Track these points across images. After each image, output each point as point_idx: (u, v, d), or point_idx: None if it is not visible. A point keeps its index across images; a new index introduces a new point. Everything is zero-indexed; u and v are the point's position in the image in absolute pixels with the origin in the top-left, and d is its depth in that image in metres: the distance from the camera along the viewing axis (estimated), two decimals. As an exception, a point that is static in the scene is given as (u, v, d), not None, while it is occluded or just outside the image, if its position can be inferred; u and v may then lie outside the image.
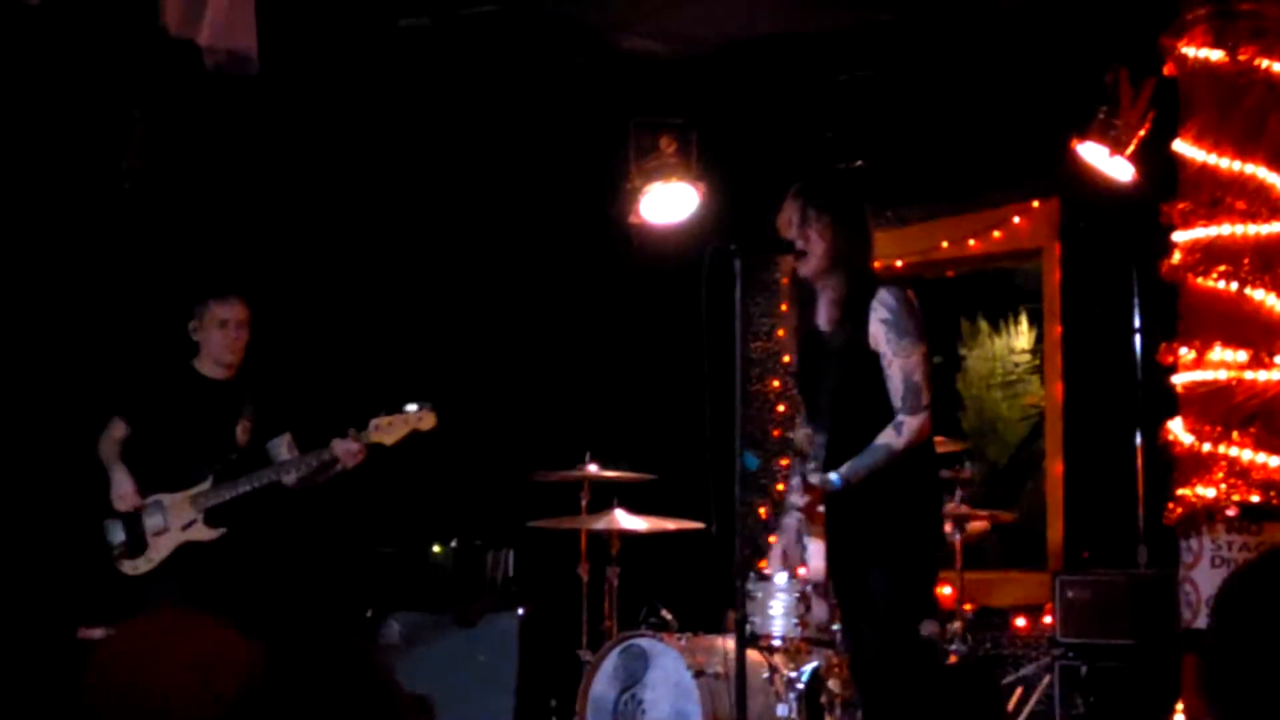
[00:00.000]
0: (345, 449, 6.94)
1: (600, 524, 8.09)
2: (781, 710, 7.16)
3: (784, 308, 10.20)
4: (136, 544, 6.98)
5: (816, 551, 5.76)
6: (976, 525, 8.31)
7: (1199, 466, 6.86)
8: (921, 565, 5.90)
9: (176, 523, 6.99)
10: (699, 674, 7.35)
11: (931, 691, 6.29)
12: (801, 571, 5.90)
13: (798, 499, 5.72)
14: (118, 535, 7.00)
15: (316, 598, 8.13)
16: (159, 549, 6.98)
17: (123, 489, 7.01)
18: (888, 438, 5.62)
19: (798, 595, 6.17)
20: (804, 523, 5.81)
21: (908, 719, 5.77)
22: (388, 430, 6.97)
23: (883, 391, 5.67)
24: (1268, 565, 2.22)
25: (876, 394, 5.68)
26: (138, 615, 5.36)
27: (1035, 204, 9.28)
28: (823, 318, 5.90)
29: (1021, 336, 11.53)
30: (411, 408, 7.00)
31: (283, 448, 7.12)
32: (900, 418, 5.62)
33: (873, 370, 5.69)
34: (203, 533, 6.98)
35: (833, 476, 5.65)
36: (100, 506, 7.05)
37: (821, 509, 5.72)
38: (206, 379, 7.17)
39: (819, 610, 5.84)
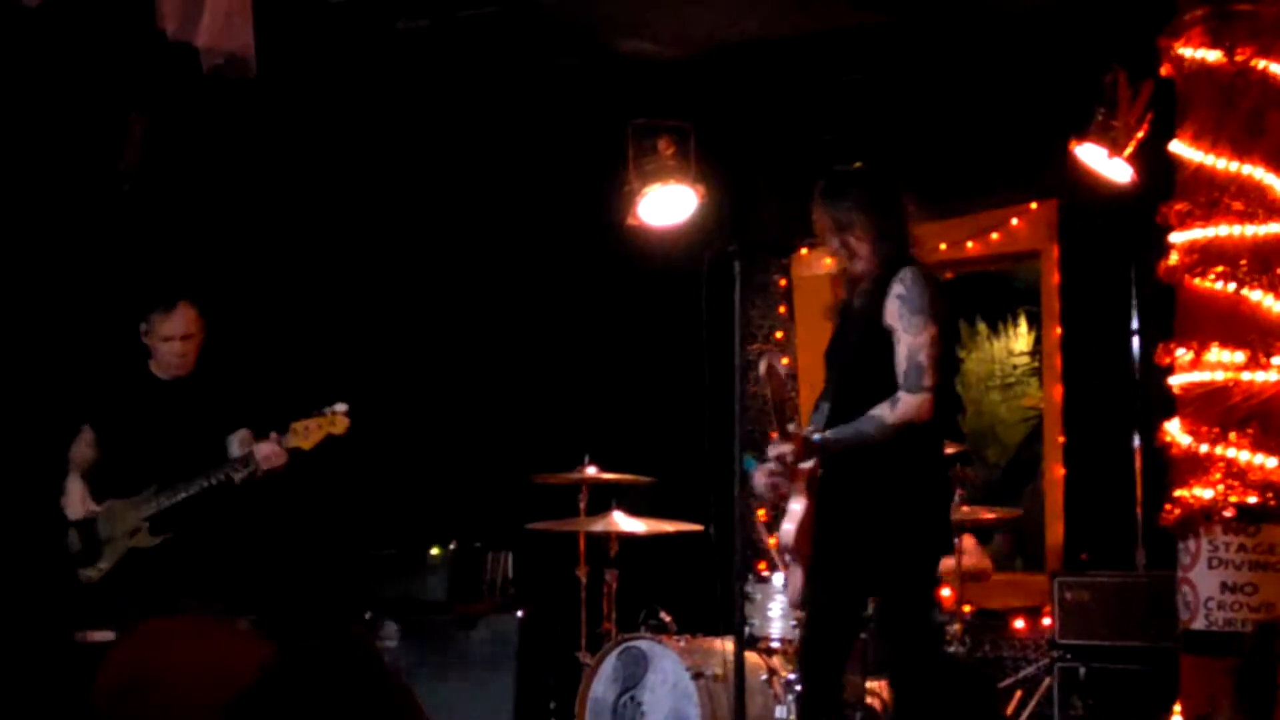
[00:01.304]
0: (264, 453, 6.87)
1: (599, 526, 8.09)
2: (780, 712, 7.18)
3: (782, 310, 10.21)
4: (90, 552, 6.96)
5: (792, 514, 5.68)
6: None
7: (1196, 467, 6.85)
8: (928, 583, 5.85)
9: (122, 530, 6.94)
10: (698, 676, 7.36)
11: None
12: (770, 541, 5.86)
13: (780, 447, 5.65)
14: (74, 543, 6.97)
15: (309, 598, 8.12)
16: (108, 557, 6.93)
17: (71, 496, 6.98)
18: (881, 410, 5.55)
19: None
20: (784, 481, 5.75)
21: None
22: (304, 435, 6.88)
23: (888, 366, 5.63)
24: None
25: (881, 367, 5.63)
26: (99, 622, 5.37)
27: (1033, 206, 9.28)
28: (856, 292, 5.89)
29: (1020, 339, 11.54)
30: (330, 409, 6.92)
31: (235, 444, 7.05)
32: (899, 394, 5.56)
33: (882, 344, 5.65)
34: (145, 540, 6.91)
35: (815, 436, 5.61)
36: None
37: (805, 465, 5.67)
38: (160, 380, 7.13)
39: (794, 580, 5.78)
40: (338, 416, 6.87)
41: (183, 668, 2.87)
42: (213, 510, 6.94)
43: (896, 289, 5.65)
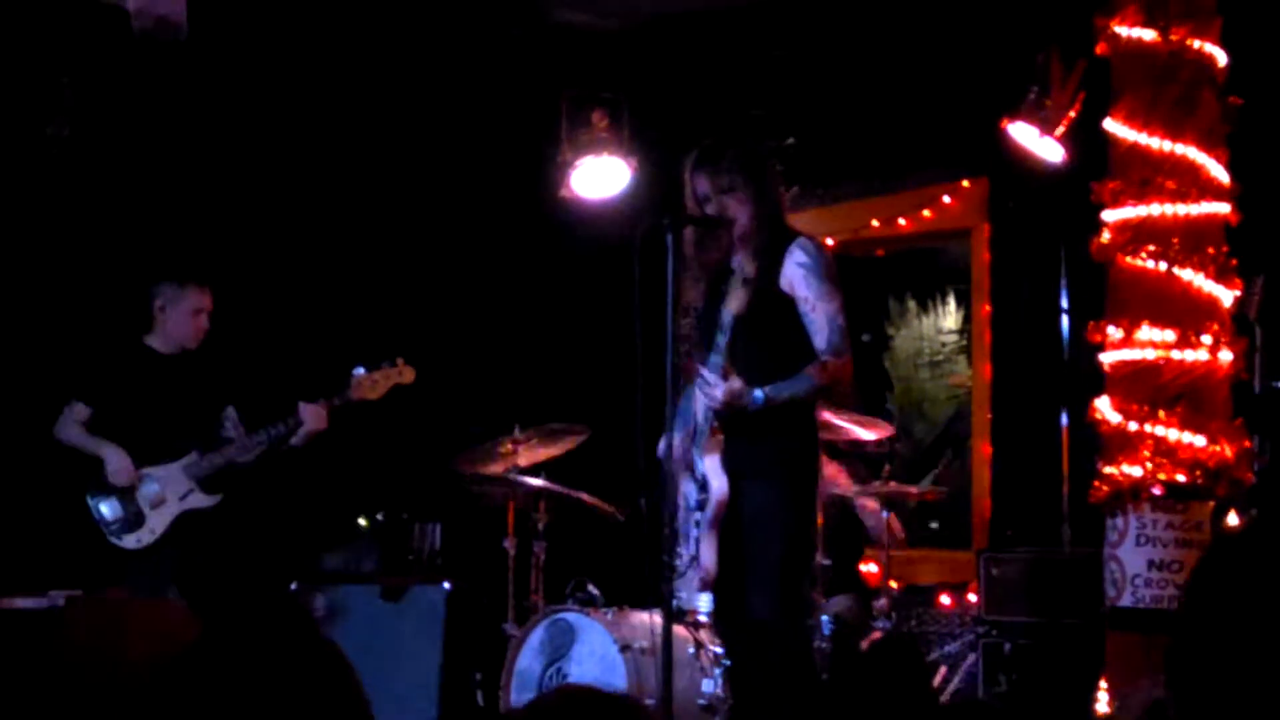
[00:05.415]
0: (313, 412, 7.10)
1: (528, 476, 8.05)
2: (707, 685, 7.17)
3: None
4: (134, 518, 7.02)
5: (715, 475, 5.76)
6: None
7: (1125, 445, 6.89)
8: (805, 483, 5.92)
9: (173, 493, 7.05)
10: (625, 649, 7.34)
11: (846, 666, 6.35)
12: (698, 516, 5.86)
13: (716, 391, 5.69)
14: (115, 511, 7.07)
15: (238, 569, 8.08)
16: (160, 520, 7.06)
17: (119, 463, 7.11)
18: (813, 373, 5.68)
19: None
20: (701, 439, 5.83)
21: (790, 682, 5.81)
22: (370, 387, 7.14)
23: (783, 329, 5.72)
24: (1232, 549, 2.20)
25: (778, 331, 5.73)
26: (138, 587, 5.42)
27: (965, 184, 9.31)
28: (739, 261, 5.93)
29: (949, 316, 11.56)
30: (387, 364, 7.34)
31: (228, 422, 7.23)
32: (825, 358, 5.70)
33: (778, 309, 5.73)
34: (201, 500, 7.14)
35: (756, 393, 5.66)
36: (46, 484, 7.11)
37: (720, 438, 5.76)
38: (161, 355, 7.23)
39: (709, 553, 5.80)
40: (405, 368, 7.43)
41: (119, 643, 2.83)
42: (253, 476, 7.33)
43: (798, 256, 5.77)
